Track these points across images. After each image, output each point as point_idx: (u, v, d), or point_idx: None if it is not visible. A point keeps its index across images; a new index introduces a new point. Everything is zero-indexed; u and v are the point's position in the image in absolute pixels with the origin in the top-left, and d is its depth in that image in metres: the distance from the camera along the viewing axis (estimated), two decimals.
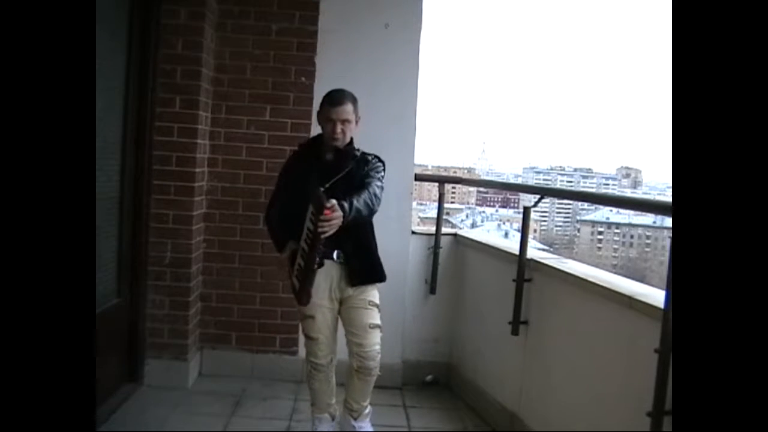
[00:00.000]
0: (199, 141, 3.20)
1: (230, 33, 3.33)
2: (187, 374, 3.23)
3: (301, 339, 3.39)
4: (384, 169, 2.51)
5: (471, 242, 3.45)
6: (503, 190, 34.19)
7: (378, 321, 2.50)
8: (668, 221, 2.15)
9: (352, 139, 2.50)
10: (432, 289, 3.51)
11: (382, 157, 2.54)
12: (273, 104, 3.36)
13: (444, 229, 3.58)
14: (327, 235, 2.18)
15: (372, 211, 2.36)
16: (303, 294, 2.37)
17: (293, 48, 3.35)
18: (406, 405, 3.23)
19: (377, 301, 2.52)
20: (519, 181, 39.65)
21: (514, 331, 2.73)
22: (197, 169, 3.21)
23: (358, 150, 2.51)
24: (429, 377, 3.49)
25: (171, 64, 3.13)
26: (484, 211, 46.65)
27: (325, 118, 2.46)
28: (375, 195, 2.36)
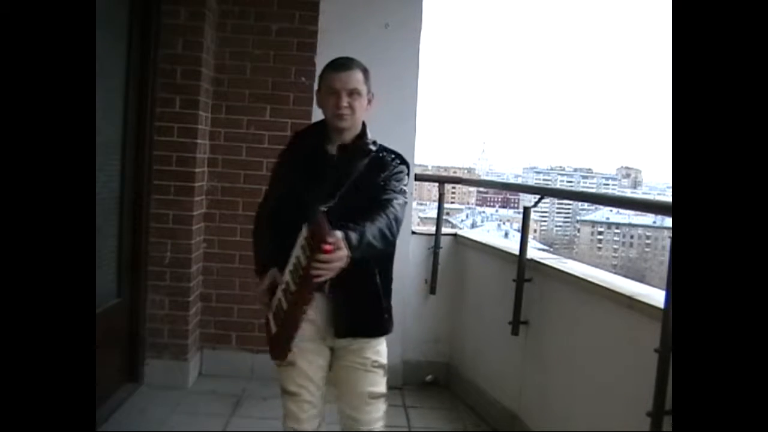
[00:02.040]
0: (199, 141, 3.20)
1: (230, 33, 3.33)
2: (187, 374, 3.23)
3: None
4: (408, 174, 1.88)
5: (471, 242, 3.45)
6: (503, 190, 34.22)
7: (383, 388, 1.85)
8: (668, 221, 2.14)
9: (364, 125, 1.88)
10: (432, 289, 3.51)
11: None
12: (273, 104, 3.36)
13: (444, 229, 3.58)
14: (322, 279, 1.58)
15: (389, 242, 1.72)
16: (279, 346, 1.75)
17: (293, 48, 3.35)
18: (406, 405, 3.22)
19: (384, 360, 1.85)
20: (519, 181, 39.68)
21: (514, 331, 2.73)
22: (197, 169, 3.21)
23: (373, 143, 1.86)
24: (429, 377, 3.50)
25: (171, 64, 3.13)
26: (484, 211, 46.70)
27: (326, 89, 1.83)
28: (395, 219, 1.73)
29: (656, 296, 1.98)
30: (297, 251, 1.65)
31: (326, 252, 1.52)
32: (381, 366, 1.84)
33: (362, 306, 1.81)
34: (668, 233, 1.79)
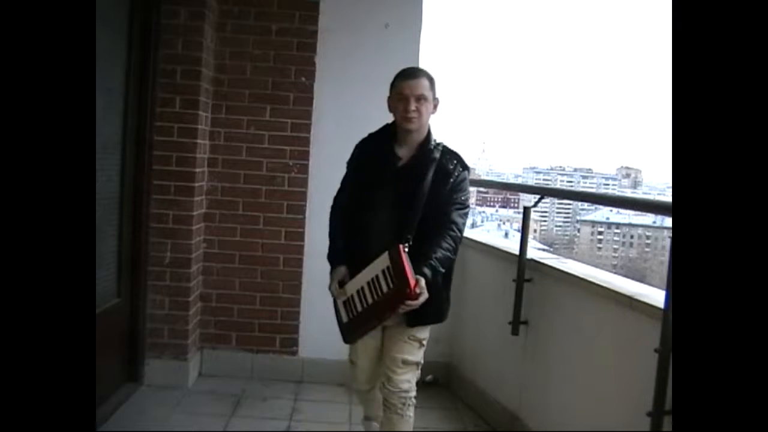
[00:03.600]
0: (199, 141, 3.20)
1: (230, 33, 3.33)
2: (187, 374, 3.23)
3: (302, 339, 3.43)
4: (469, 174, 2.16)
5: (471, 242, 3.45)
6: (503, 190, 34.21)
7: (416, 358, 2.19)
8: (668, 221, 2.14)
9: (429, 130, 2.14)
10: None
11: None
12: (273, 104, 3.36)
13: None
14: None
15: (452, 260, 2.08)
16: (351, 334, 2.18)
17: (293, 48, 3.35)
18: None
19: (422, 335, 2.20)
20: (519, 181, 39.67)
21: (514, 331, 2.73)
22: (197, 169, 3.21)
23: (437, 146, 2.12)
24: (429, 377, 3.49)
25: (171, 64, 3.13)
26: (484, 211, 46.73)
27: (396, 95, 2.09)
28: (458, 238, 2.06)
29: (656, 296, 1.98)
30: (377, 270, 1.99)
31: (411, 296, 1.90)
32: (417, 339, 2.17)
33: (428, 300, 2.01)
34: (668, 233, 1.79)
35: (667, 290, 1.77)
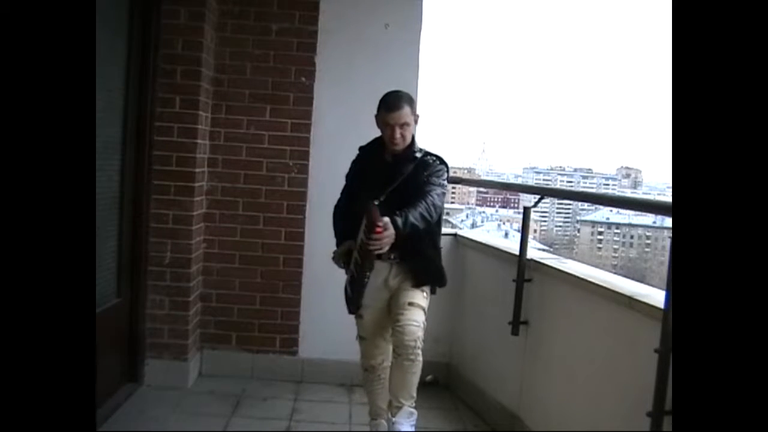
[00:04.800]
0: (199, 141, 3.20)
1: (230, 33, 3.33)
2: (187, 374, 3.23)
3: (302, 339, 3.43)
4: (447, 171, 2.48)
5: (471, 242, 3.45)
6: (503, 190, 34.19)
7: (420, 301, 2.40)
8: (668, 221, 2.15)
9: (414, 138, 2.48)
10: (432, 289, 3.50)
11: None
12: (273, 104, 3.36)
13: (444, 229, 3.55)
14: (378, 252, 2.20)
15: (430, 222, 2.32)
16: (352, 303, 2.45)
17: (293, 48, 3.35)
18: None
19: (424, 288, 2.46)
20: (519, 181, 39.64)
21: (514, 331, 2.73)
22: (197, 169, 3.21)
23: (419, 150, 2.47)
24: (429, 377, 3.48)
25: (171, 64, 3.13)
26: (484, 212, 46.68)
27: (383, 123, 2.42)
28: (433, 204, 2.32)
29: (656, 296, 1.97)
30: (360, 235, 2.27)
31: (377, 233, 2.14)
32: (420, 290, 2.44)
33: (426, 266, 2.47)
34: (668, 233, 1.80)
35: (667, 290, 1.77)
